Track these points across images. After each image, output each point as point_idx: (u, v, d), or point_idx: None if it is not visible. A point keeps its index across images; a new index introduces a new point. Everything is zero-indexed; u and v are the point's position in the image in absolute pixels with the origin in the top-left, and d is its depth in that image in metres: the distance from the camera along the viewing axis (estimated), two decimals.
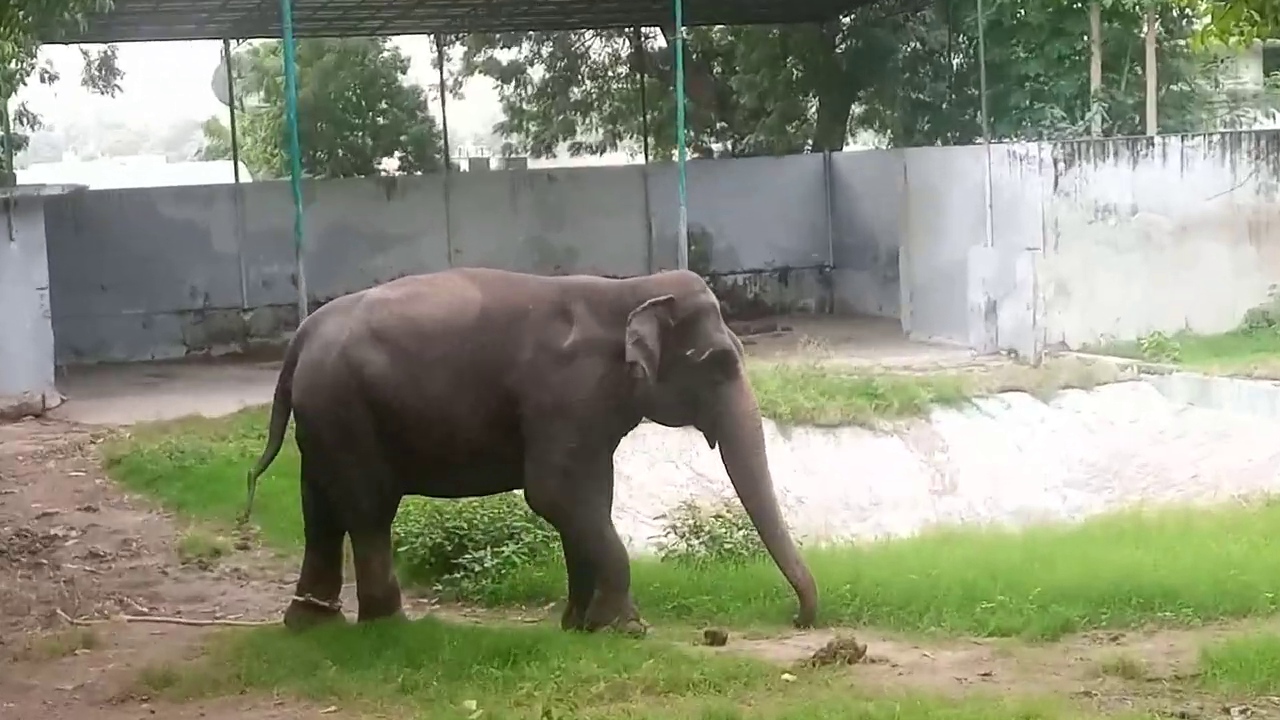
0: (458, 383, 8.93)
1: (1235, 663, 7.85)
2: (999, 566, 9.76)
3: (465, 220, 26.14)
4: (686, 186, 20.67)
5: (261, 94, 32.17)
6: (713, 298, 9.33)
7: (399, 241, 25.67)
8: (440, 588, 10.38)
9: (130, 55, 28.91)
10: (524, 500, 9.61)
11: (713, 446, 9.43)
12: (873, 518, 15.04)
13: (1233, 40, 7.51)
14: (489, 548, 10.44)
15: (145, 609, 10.36)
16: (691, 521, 10.82)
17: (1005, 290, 20.96)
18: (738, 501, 9.77)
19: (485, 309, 9.05)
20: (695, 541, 10.68)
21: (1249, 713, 7.39)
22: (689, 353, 9.05)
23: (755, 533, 9.88)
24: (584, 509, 9.10)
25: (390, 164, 32.15)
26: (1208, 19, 7.63)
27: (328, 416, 9.06)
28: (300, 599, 9.48)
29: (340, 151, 31.04)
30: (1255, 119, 27.17)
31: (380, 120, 31.52)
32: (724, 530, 10.76)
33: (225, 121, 31.36)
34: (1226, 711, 7.41)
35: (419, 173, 30.88)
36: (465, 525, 10.59)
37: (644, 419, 9.45)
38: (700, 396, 9.18)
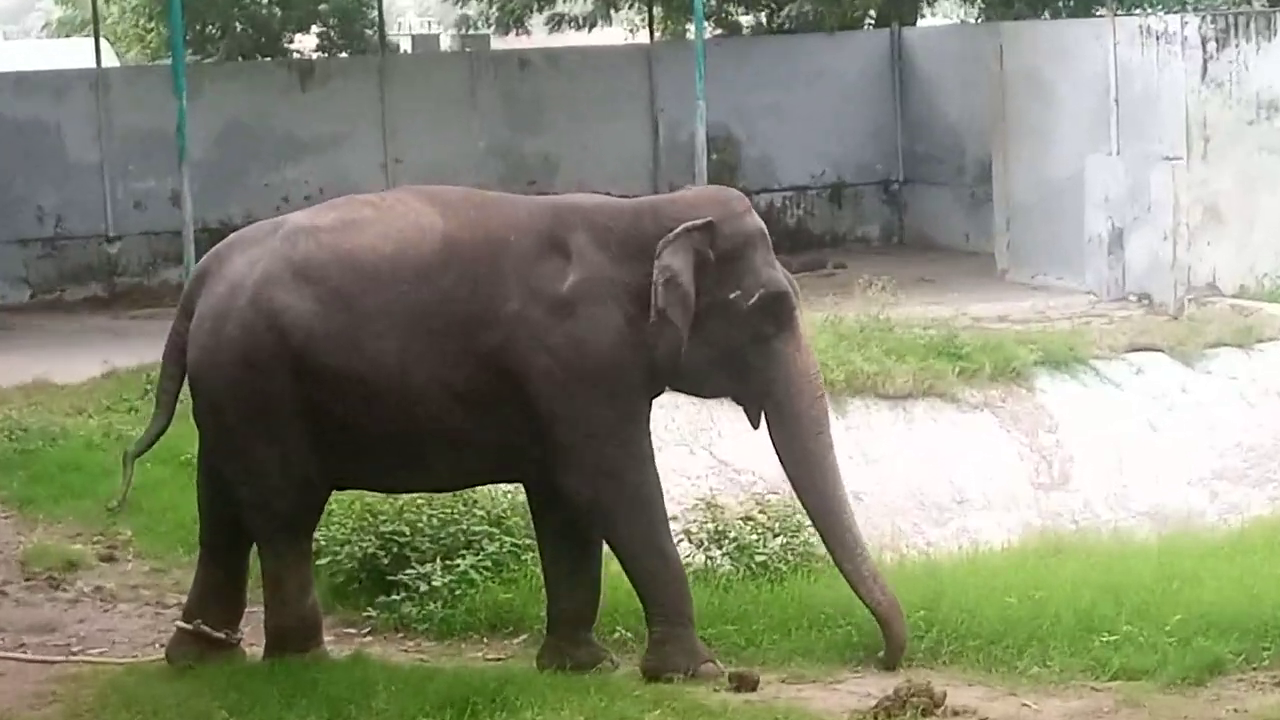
0: (413, 340, 8.90)
1: None
2: (1125, 587, 9.82)
3: (406, 120, 26.08)
4: (706, 74, 20.64)
5: None
6: (760, 222, 9.32)
7: (317, 148, 25.63)
8: (374, 614, 10.39)
9: None
10: (484, 497, 9.64)
11: (757, 425, 9.42)
12: (956, 521, 15.06)
13: None
14: (439, 560, 10.47)
15: None
16: (712, 525, 10.85)
17: (1136, 214, 20.92)
18: (774, 498, 9.81)
19: (450, 240, 8.99)
20: (717, 552, 10.76)
21: None
22: (733, 296, 9.05)
23: (795, 541, 9.90)
24: (635, 512, 9.12)
25: (307, 44, 32.05)
26: None
27: (233, 383, 9.01)
28: (188, 627, 9.48)
29: (239, 26, 30.92)
30: None
31: None
32: (755, 538, 10.82)
33: None
34: None
35: (344, 55, 30.78)
36: (407, 531, 10.61)
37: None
38: (744, 356, 9.16)
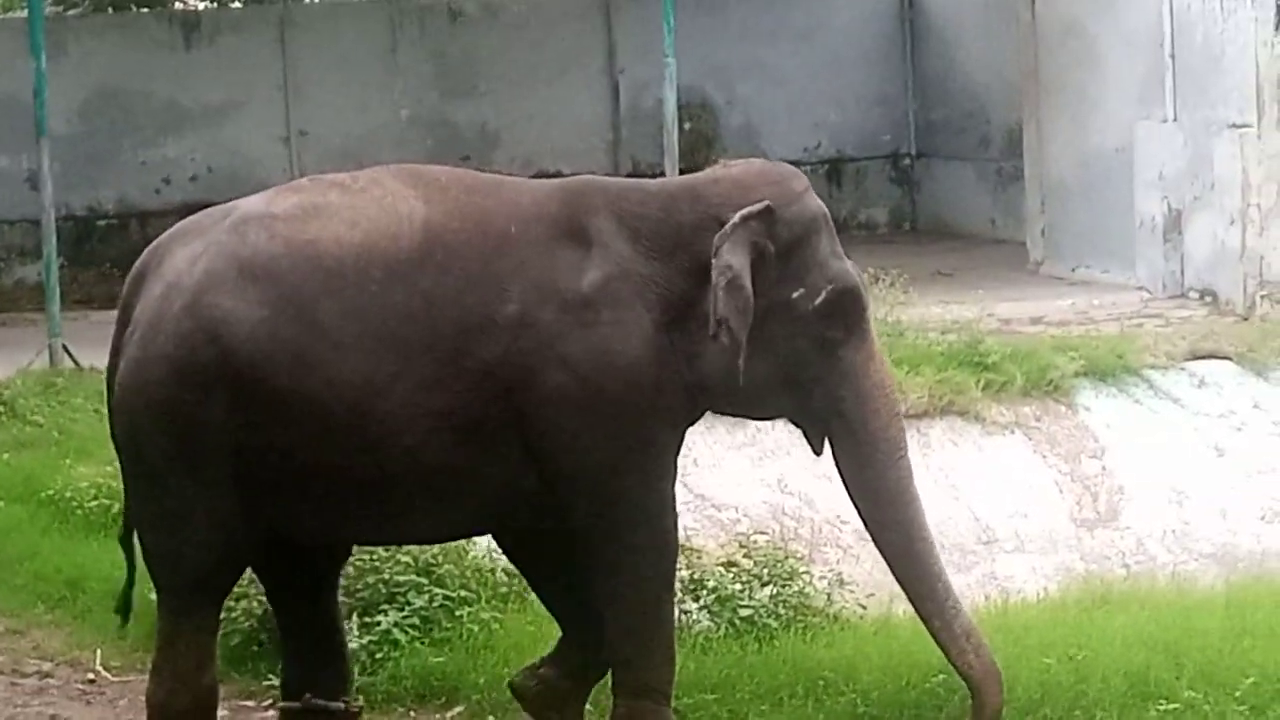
0: (386, 354, 8.61)
1: None
2: (1187, 645, 9.86)
3: (313, 83, 26.19)
4: (676, 27, 20.69)
5: None
6: (821, 203, 9.08)
7: (206, 118, 25.73)
8: (275, 681, 10.15)
9: None
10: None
11: (820, 450, 9.26)
12: (983, 565, 15.08)
13: None
14: (355, 618, 10.45)
15: None
16: (687, 573, 10.82)
17: (1197, 194, 21.03)
18: (761, 539, 9.79)
19: (434, 229, 8.67)
20: (693, 605, 10.75)
21: None
22: (795, 295, 8.83)
23: (786, 591, 9.90)
24: (645, 565, 8.92)
25: None
26: None
27: (160, 406, 8.68)
28: (295, 705, 9.28)
29: None
30: None
31: None
32: (739, 587, 10.83)
33: None
34: None
35: (238, 4, 30.79)
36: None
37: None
38: (809, 367, 9.01)
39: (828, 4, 28.03)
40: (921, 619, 9.23)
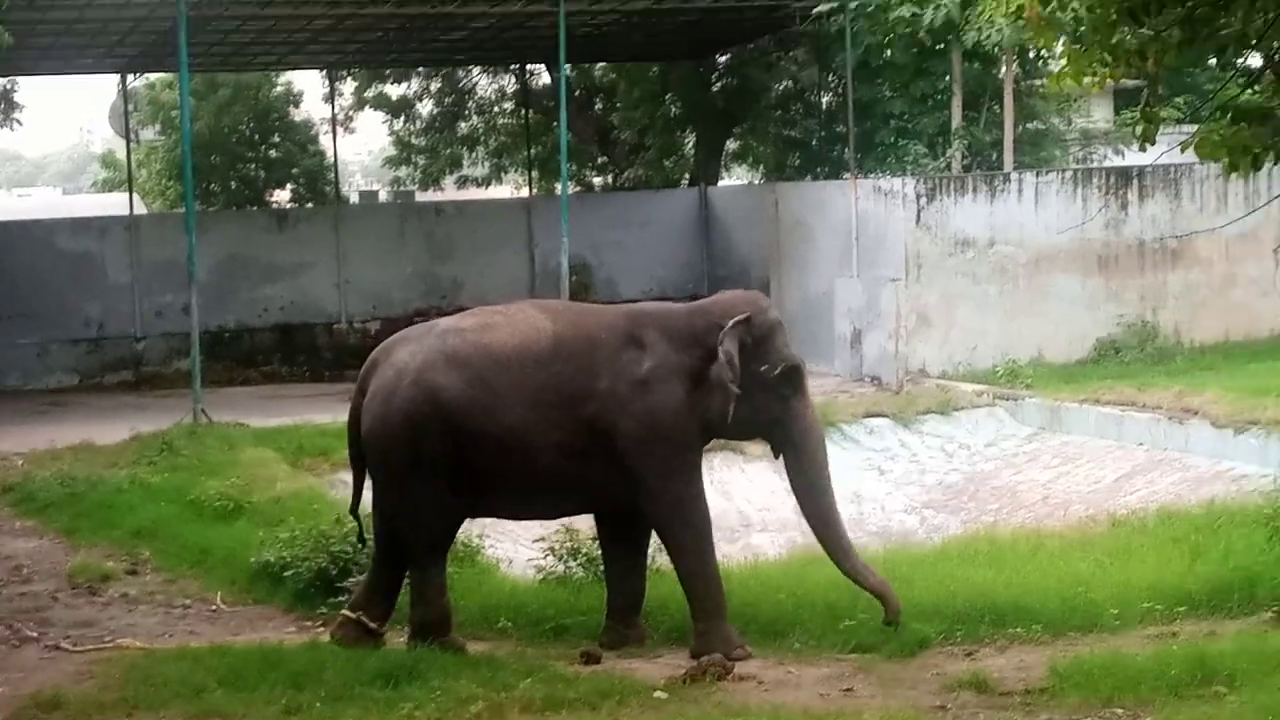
0: (534, 410, 8.81)
1: (1082, 677, 7.98)
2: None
3: (355, 251, 26.02)
4: (569, 219, 20.74)
5: (157, 127, 31.76)
6: (778, 315, 9.42)
7: (290, 272, 25.55)
8: (325, 611, 10.19)
9: (29, 87, 28.57)
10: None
11: (778, 457, 9.45)
12: (743, 539, 15.03)
13: (1086, 81, 7.64)
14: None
15: (35, 634, 10.12)
16: (569, 544, 10.77)
17: (870, 319, 21.16)
18: None
19: (558, 337, 8.95)
20: (573, 563, 10.61)
21: None
22: (764, 368, 9.06)
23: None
24: (693, 532, 9.06)
25: (282, 196, 31.86)
26: (1063, 61, 7.75)
27: (400, 440, 8.86)
28: (352, 616, 9.24)
29: (234, 184, 30.71)
30: (1105, 156, 27.71)
31: (273, 153, 31.22)
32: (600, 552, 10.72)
33: (121, 154, 30.94)
34: None
35: (310, 205, 30.67)
36: (350, 550, 10.43)
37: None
38: (770, 411, 9.17)
39: (656, 206, 28.08)
40: (836, 563, 9.35)
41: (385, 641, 9.21)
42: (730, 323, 8.95)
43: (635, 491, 8.97)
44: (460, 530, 9.67)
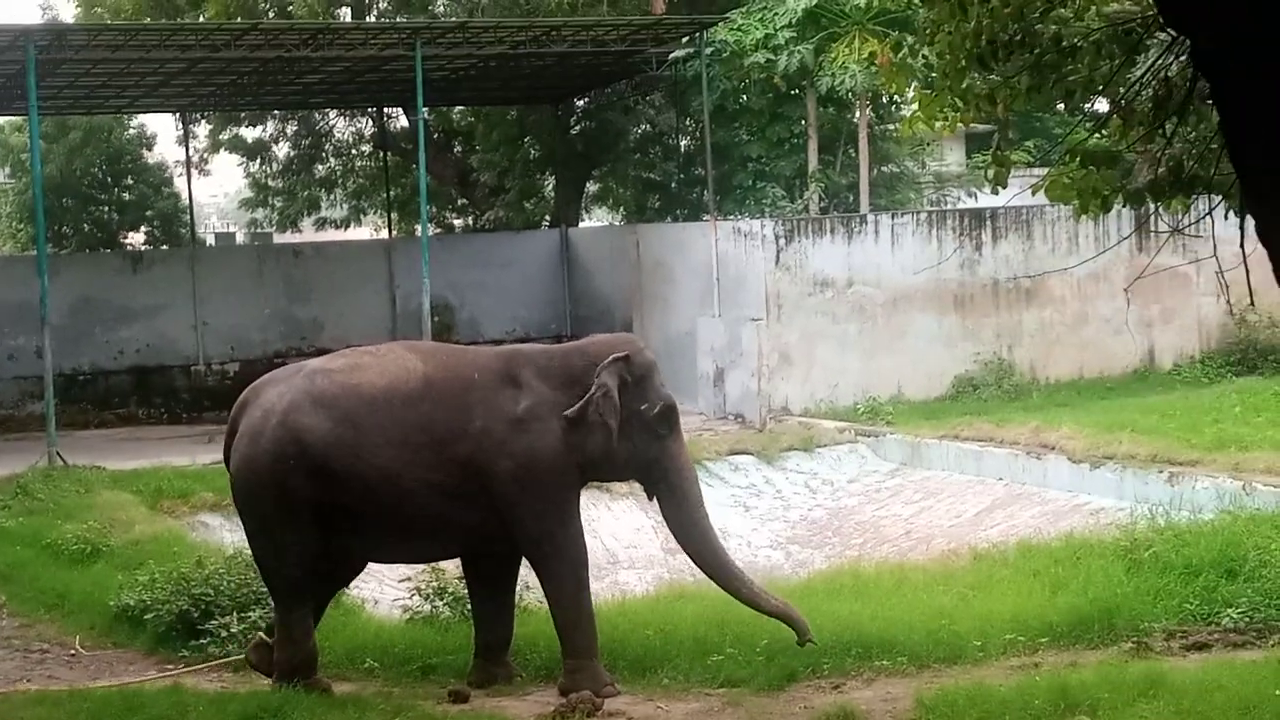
0: (403, 450, 8.67)
1: (947, 708, 8.02)
2: (729, 620, 9.79)
3: (212, 294, 25.68)
4: (429, 260, 20.65)
5: (6, 170, 31.30)
6: (654, 356, 9.35)
7: (145, 314, 25.17)
8: (187, 654, 10.06)
9: None
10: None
11: (652, 498, 9.35)
12: (610, 576, 14.99)
13: (938, 125, 7.77)
14: (235, 613, 10.18)
15: None
16: (436, 583, 10.69)
17: (732, 358, 21.28)
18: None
19: (428, 378, 8.83)
20: (440, 602, 10.53)
21: None
22: (642, 408, 8.98)
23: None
24: (567, 572, 8.94)
25: (136, 239, 31.47)
26: (915, 106, 7.89)
27: (266, 480, 8.72)
28: (267, 639, 9.16)
29: (86, 226, 30.31)
30: (959, 198, 28.20)
31: (126, 196, 30.85)
32: (467, 591, 10.64)
33: None
34: None
35: (165, 247, 30.27)
36: (211, 591, 10.33)
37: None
38: (647, 450, 9.08)
39: (517, 246, 28.05)
40: (732, 594, 9.27)
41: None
42: (609, 360, 8.91)
43: (511, 531, 8.90)
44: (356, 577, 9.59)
